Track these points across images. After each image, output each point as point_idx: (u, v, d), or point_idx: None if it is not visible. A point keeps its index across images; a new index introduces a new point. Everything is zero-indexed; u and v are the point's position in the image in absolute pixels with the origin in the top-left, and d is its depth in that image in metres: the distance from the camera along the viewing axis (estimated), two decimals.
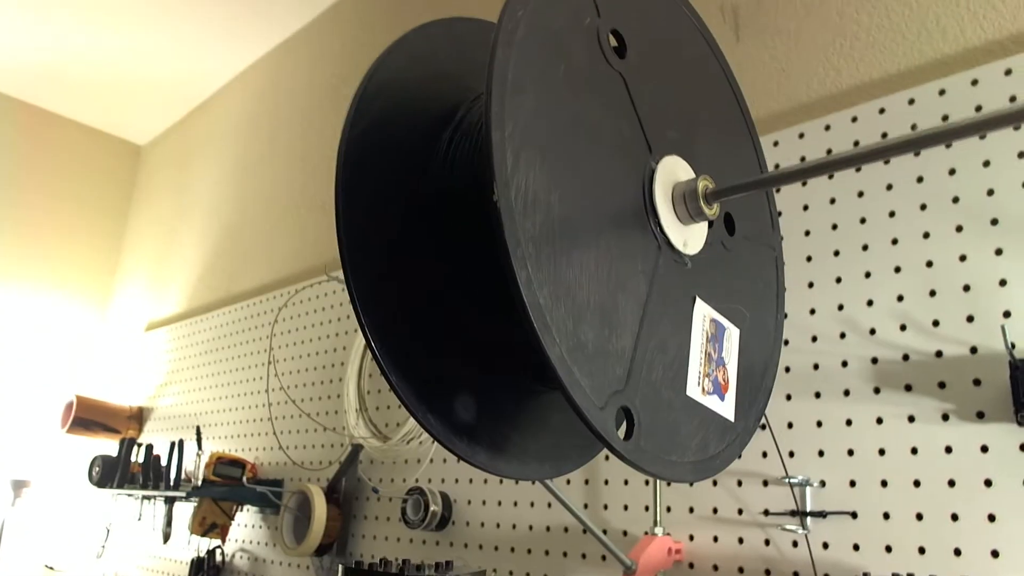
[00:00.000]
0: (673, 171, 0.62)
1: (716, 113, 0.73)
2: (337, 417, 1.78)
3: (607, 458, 1.26)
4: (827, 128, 1.17)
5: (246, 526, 1.89)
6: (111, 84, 2.94)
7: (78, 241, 3.12)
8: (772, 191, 0.82)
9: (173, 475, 1.82)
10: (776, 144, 1.22)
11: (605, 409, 0.49)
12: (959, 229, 1.01)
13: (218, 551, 1.87)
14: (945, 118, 1.06)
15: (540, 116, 0.49)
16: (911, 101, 1.10)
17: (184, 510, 1.94)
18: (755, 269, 0.75)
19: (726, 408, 0.64)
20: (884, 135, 1.11)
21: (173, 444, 1.86)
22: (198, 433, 2.00)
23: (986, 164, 1.01)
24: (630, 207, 0.57)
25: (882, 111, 1.12)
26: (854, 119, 1.15)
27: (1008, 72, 1.01)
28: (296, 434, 1.89)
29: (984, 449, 0.91)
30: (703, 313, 0.63)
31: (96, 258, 3.17)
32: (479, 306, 0.61)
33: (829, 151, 1.16)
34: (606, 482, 1.25)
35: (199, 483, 1.78)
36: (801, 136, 1.20)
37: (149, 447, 1.95)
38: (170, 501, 1.92)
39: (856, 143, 1.14)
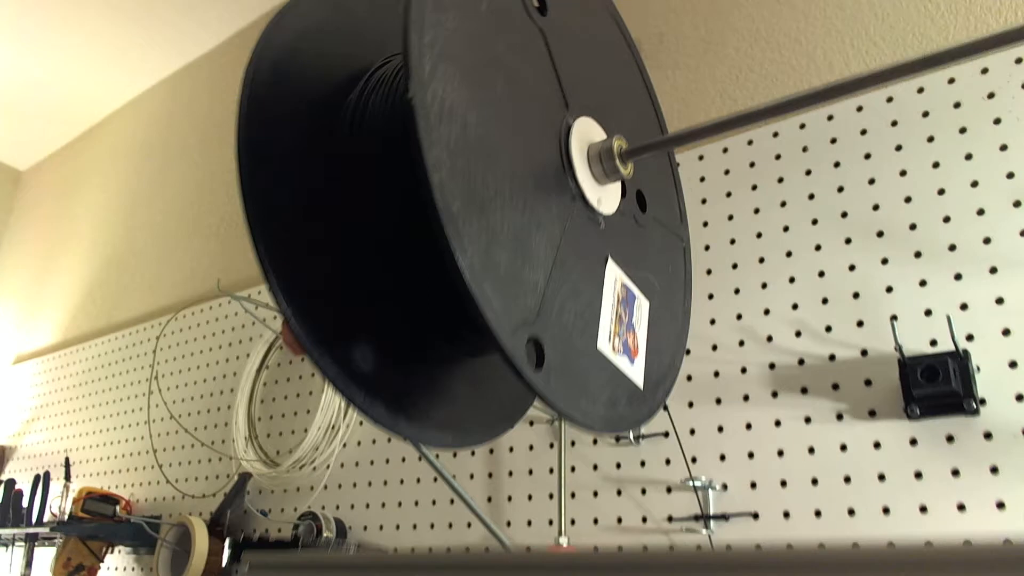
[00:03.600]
0: (588, 132, 0.62)
1: (627, 91, 0.74)
2: (226, 447, 1.68)
3: (510, 474, 1.23)
4: (725, 151, 1.22)
5: (118, 568, 1.73)
6: None
7: None
8: (681, 186, 0.84)
9: (36, 512, 1.65)
10: (678, 165, 1.25)
11: (515, 335, 0.47)
12: (848, 241, 1.06)
13: None
14: (833, 141, 1.12)
15: (461, 38, 0.49)
16: (802, 126, 1.16)
17: (48, 555, 1.76)
18: (665, 253, 0.75)
19: (635, 373, 0.63)
20: (777, 156, 1.16)
21: (37, 478, 1.70)
22: (67, 465, 1.83)
23: (871, 182, 1.07)
24: (546, 156, 0.57)
25: (776, 135, 1.18)
26: (750, 142, 1.20)
27: (889, 100, 1.09)
28: (180, 467, 1.76)
29: (877, 445, 0.94)
30: (615, 275, 0.62)
31: None
32: (385, 254, 0.58)
33: (727, 171, 1.21)
34: (509, 498, 1.21)
35: (65, 519, 1.63)
36: (701, 158, 1.24)
37: (10, 483, 1.77)
38: (31, 539, 1.74)
39: (752, 164, 1.19)
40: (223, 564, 1.47)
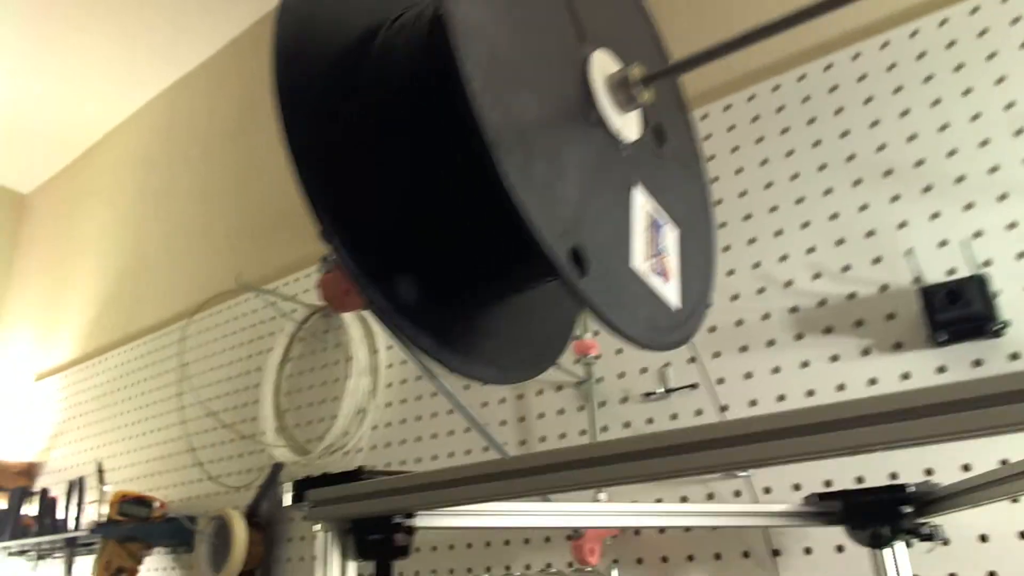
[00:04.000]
0: (605, 63, 0.64)
1: (634, 29, 0.76)
2: (257, 441, 1.70)
3: (542, 439, 1.25)
4: (727, 108, 1.24)
5: (156, 570, 1.75)
6: None
7: None
8: (694, 125, 0.86)
9: (72, 518, 1.67)
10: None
11: (559, 242, 0.49)
12: (857, 182, 1.08)
13: None
14: (833, 89, 1.14)
15: None
16: (801, 77, 1.18)
17: (88, 563, 1.78)
18: (685, 187, 0.77)
19: (671, 293, 0.65)
20: (779, 109, 1.19)
21: (72, 484, 1.72)
22: (99, 470, 1.85)
23: (874, 124, 1.09)
24: (568, 84, 0.59)
25: (776, 88, 1.20)
26: (751, 98, 1.23)
27: (884, 45, 1.11)
28: (213, 464, 1.78)
29: (905, 376, 0.96)
30: (641, 200, 0.64)
31: None
32: (424, 191, 0.60)
33: (732, 127, 1.23)
34: None
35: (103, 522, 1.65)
36: (705, 117, 1.26)
37: (44, 492, 1.79)
38: (70, 545, 1.76)
39: (755, 118, 1.21)
40: (262, 551, 1.49)
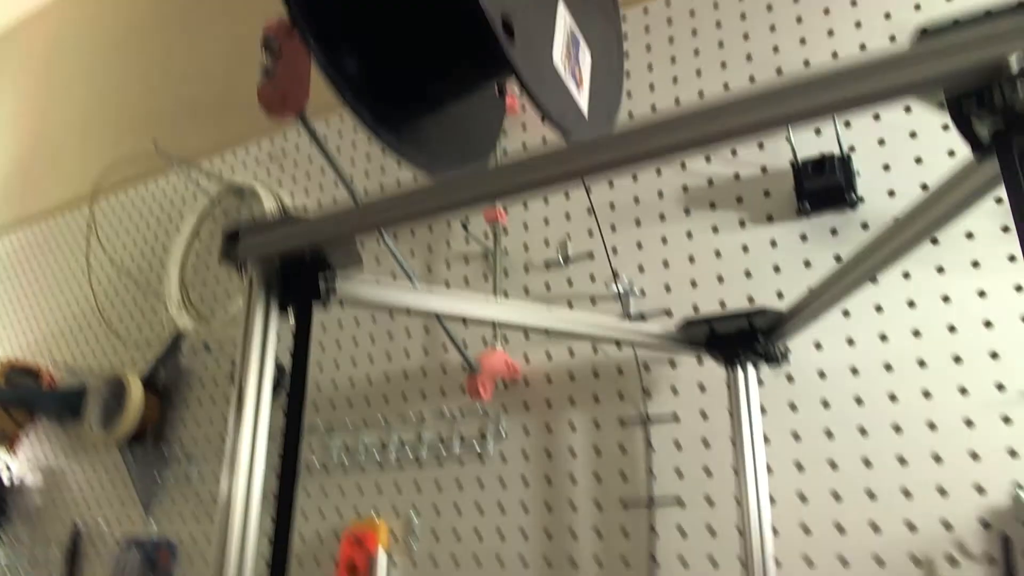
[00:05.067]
0: None
1: None
2: (159, 316, 1.70)
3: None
4: (645, 11, 1.33)
5: (41, 441, 1.73)
6: None
7: None
8: None
9: None
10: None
11: (494, 8, 0.56)
12: (751, 79, 1.19)
13: (5, 473, 1.69)
14: None
15: None
16: None
17: None
18: (603, 28, 0.85)
19: (582, 100, 0.72)
20: (691, 12, 1.28)
21: None
22: None
23: (772, 29, 1.20)
24: None
25: None
26: (667, 2, 1.32)
27: None
28: (118, 337, 1.77)
29: (773, 243, 1.08)
30: (564, 15, 0.71)
31: None
32: None
33: (647, 28, 1.32)
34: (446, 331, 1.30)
35: None
36: (624, 19, 1.34)
37: None
38: None
39: (669, 20, 1.30)
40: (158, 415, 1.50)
